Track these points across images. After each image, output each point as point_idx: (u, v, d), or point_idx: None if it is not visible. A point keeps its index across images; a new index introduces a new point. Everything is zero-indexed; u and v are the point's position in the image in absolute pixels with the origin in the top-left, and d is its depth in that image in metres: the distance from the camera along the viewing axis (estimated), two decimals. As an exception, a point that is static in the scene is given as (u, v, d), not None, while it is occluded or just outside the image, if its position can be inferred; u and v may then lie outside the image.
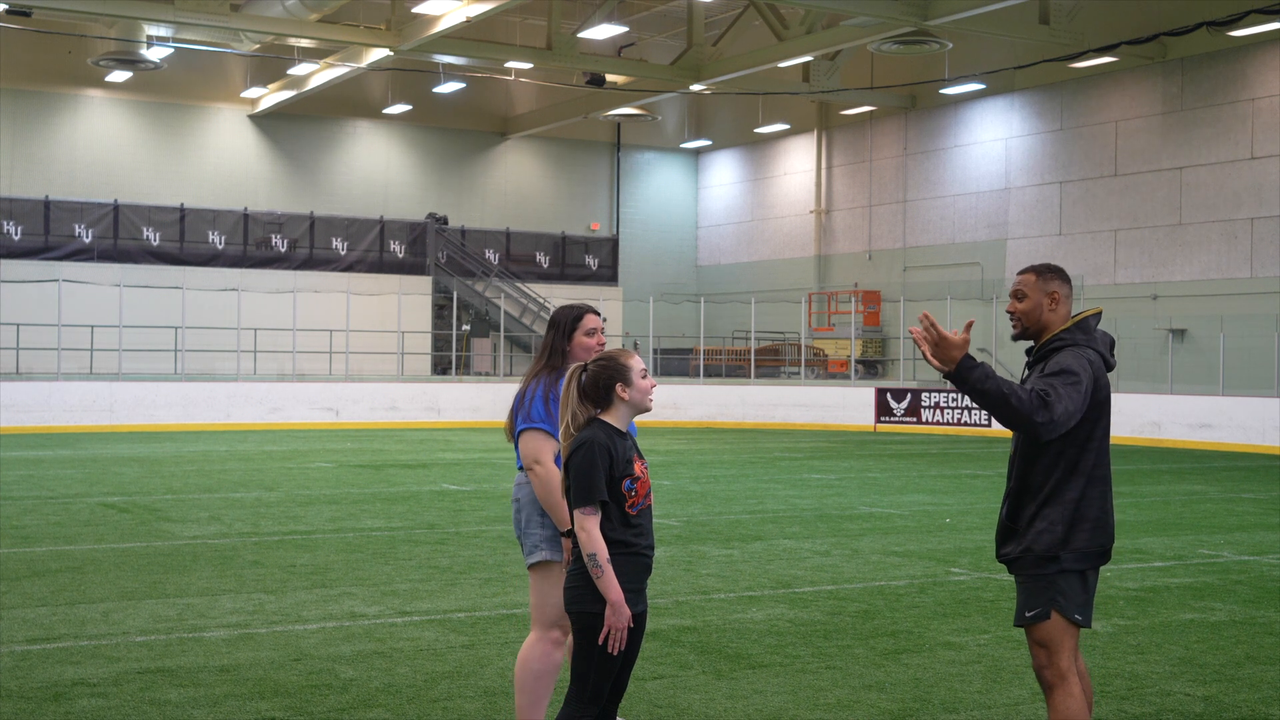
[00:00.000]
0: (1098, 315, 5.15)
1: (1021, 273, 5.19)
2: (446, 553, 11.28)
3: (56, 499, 15.04)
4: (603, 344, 5.65)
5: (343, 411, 31.19)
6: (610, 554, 4.69)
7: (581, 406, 4.81)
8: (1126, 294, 32.26)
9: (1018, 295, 5.16)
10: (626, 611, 4.63)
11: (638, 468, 4.82)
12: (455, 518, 13.78)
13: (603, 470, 4.70)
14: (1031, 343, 5.21)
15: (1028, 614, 4.95)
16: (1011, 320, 5.20)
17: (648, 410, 4.89)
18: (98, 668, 7.11)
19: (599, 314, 5.72)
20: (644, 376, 4.86)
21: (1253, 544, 12.46)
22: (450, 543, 11.90)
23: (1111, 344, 5.16)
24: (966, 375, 4.77)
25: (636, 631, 4.78)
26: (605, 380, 4.82)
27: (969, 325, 5.05)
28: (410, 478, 18.24)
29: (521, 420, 5.48)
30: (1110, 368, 5.11)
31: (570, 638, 4.96)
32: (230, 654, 7.46)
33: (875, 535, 12.75)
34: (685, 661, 7.44)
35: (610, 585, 4.63)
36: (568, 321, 5.64)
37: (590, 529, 4.66)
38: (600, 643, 4.63)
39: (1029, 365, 5.18)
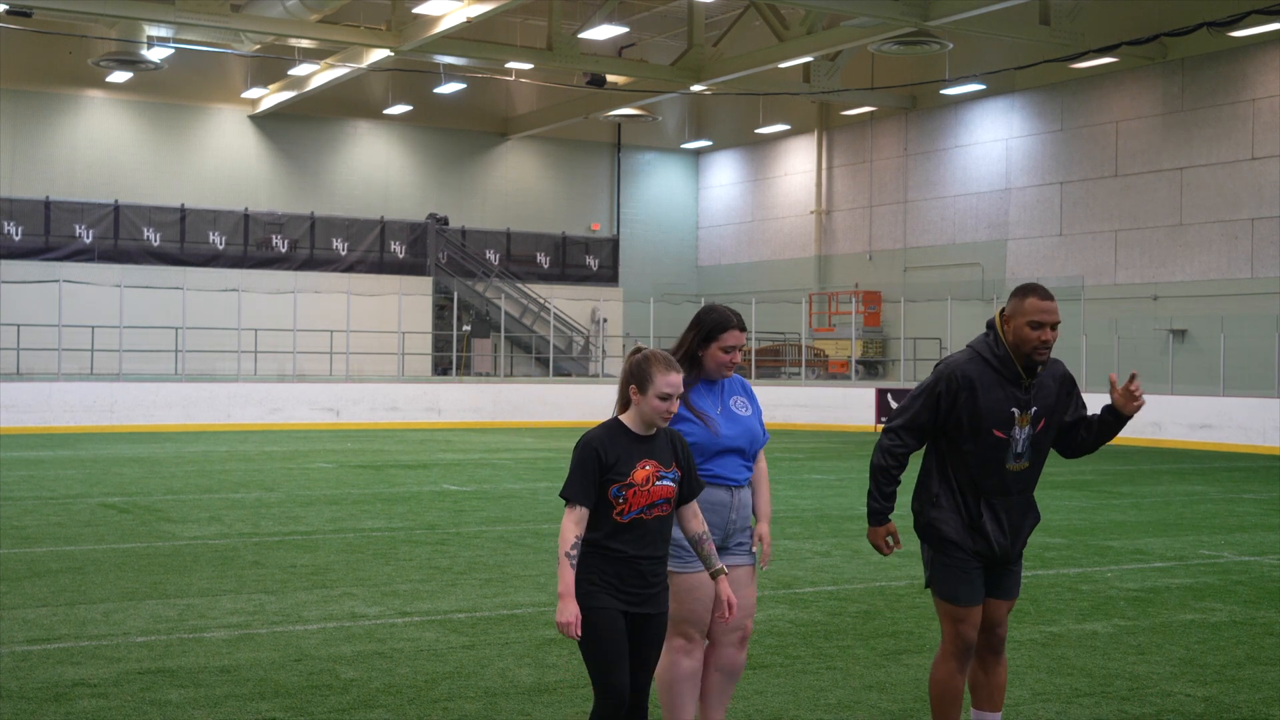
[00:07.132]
0: None
1: (1050, 299, 5.13)
2: (447, 553, 11.28)
3: (57, 499, 15.03)
4: (736, 362, 5.39)
5: (343, 412, 31.19)
6: (591, 554, 4.54)
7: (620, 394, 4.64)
8: (1127, 294, 32.24)
9: (1054, 325, 5.15)
10: (571, 607, 4.45)
11: (639, 475, 4.56)
12: (456, 518, 13.78)
13: (591, 472, 4.51)
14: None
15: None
16: (1048, 350, 5.18)
17: (656, 427, 4.66)
18: (98, 668, 7.11)
19: (744, 329, 5.36)
20: (664, 398, 4.57)
21: (1253, 544, 12.45)
22: (451, 543, 11.90)
23: None
24: None
25: (646, 632, 4.64)
26: (628, 377, 4.61)
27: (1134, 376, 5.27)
28: (411, 478, 18.24)
29: None
30: None
31: (705, 643, 5.34)
32: (231, 654, 7.46)
33: (876, 536, 12.73)
34: (686, 662, 7.43)
35: (561, 578, 4.48)
36: (707, 329, 5.34)
37: (564, 523, 4.52)
38: (578, 637, 4.50)
39: (1030, 387, 5.23)
